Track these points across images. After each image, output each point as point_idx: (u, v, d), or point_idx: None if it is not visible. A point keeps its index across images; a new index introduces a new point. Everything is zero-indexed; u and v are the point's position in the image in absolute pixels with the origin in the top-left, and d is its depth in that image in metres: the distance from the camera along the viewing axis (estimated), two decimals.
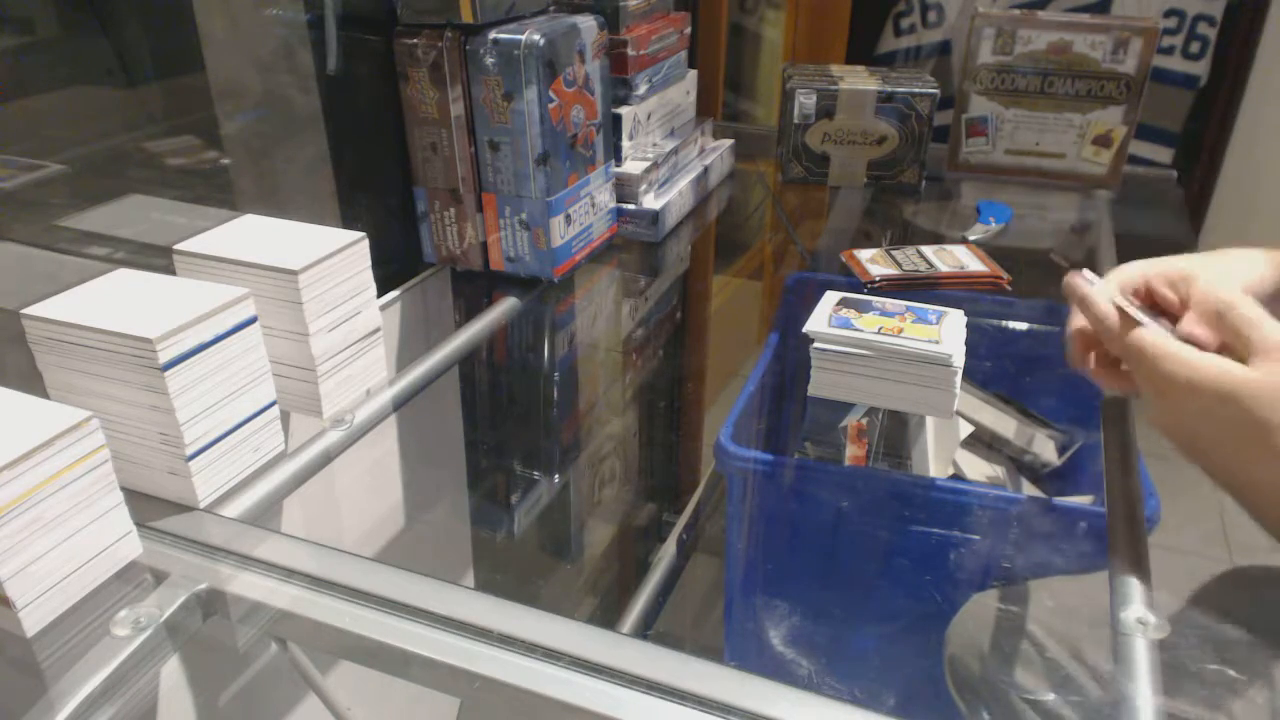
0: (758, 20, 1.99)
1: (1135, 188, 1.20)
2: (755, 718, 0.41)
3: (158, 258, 0.63)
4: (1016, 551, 0.79)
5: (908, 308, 0.74)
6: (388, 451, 0.89)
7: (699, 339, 1.30)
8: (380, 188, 0.87)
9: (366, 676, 0.49)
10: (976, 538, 0.80)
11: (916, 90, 1.12)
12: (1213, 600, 0.62)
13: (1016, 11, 1.14)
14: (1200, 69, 1.83)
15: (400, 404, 0.70)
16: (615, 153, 0.98)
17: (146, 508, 0.54)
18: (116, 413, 0.53)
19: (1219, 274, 0.57)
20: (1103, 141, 1.15)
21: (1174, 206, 1.26)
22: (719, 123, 1.34)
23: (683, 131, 1.13)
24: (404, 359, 0.84)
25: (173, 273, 0.62)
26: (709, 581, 1.18)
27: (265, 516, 0.56)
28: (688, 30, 1.10)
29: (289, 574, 0.49)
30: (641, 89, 1.01)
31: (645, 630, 0.92)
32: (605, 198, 0.95)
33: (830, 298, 0.76)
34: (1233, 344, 0.50)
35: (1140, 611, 0.49)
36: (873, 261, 0.98)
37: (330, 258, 0.61)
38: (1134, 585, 0.51)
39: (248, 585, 0.49)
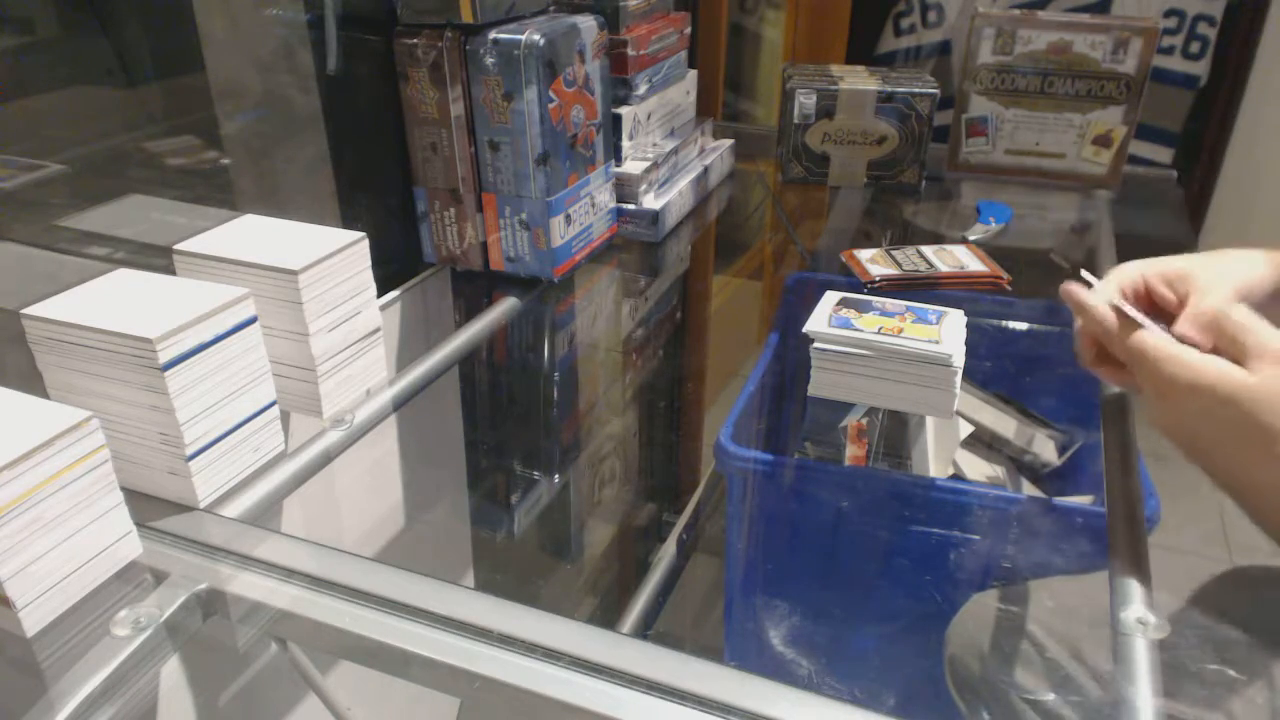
0: (758, 20, 1.99)
1: (1135, 188, 1.20)
2: (755, 718, 0.41)
3: (158, 258, 0.63)
4: (1016, 551, 0.79)
5: (908, 308, 0.74)
6: (388, 451, 0.89)
7: (699, 339, 1.30)
8: (380, 188, 0.87)
9: (366, 676, 0.49)
10: (976, 538, 0.80)
11: (916, 90, 1.12)
12: (1213, 600, 0.62)
13: (1016, 11, 1.14)
14: (1200, 69, 1.83)
15: (400, 404, 0.70)
16: (615, 153, 0.98)
17: (146, 508, 0.54)
18: (116, 413, 0.53)
19: (1216, 274, 0.57)
20: (1103, 141, 1.15)
21: (1174, 206, 1.26)
22: (719, 123, 1.34)
23: (683, 131, 1.13)
24: (404, 359, 0.84)
25: (173, 273, 0.62)
26: (709, 581, 1.18)
27: (265, 516, 0.56)
28: (688, 30, 1.10)
29: (289, 574, 0.49)
30: (641, 89, 1.01)
31: (645, 630, 0.92)
32: (605, 198, 0.95)
33: (830, 298, 0.76)
34: (1228, 350, 0.51)
35: (1140, 611, 0.49)
36: (873, 261, 0.98)
37: (330, 258, 0.61)
38: (1134, 585, 0.51)
39: (248, 585, 0.49)
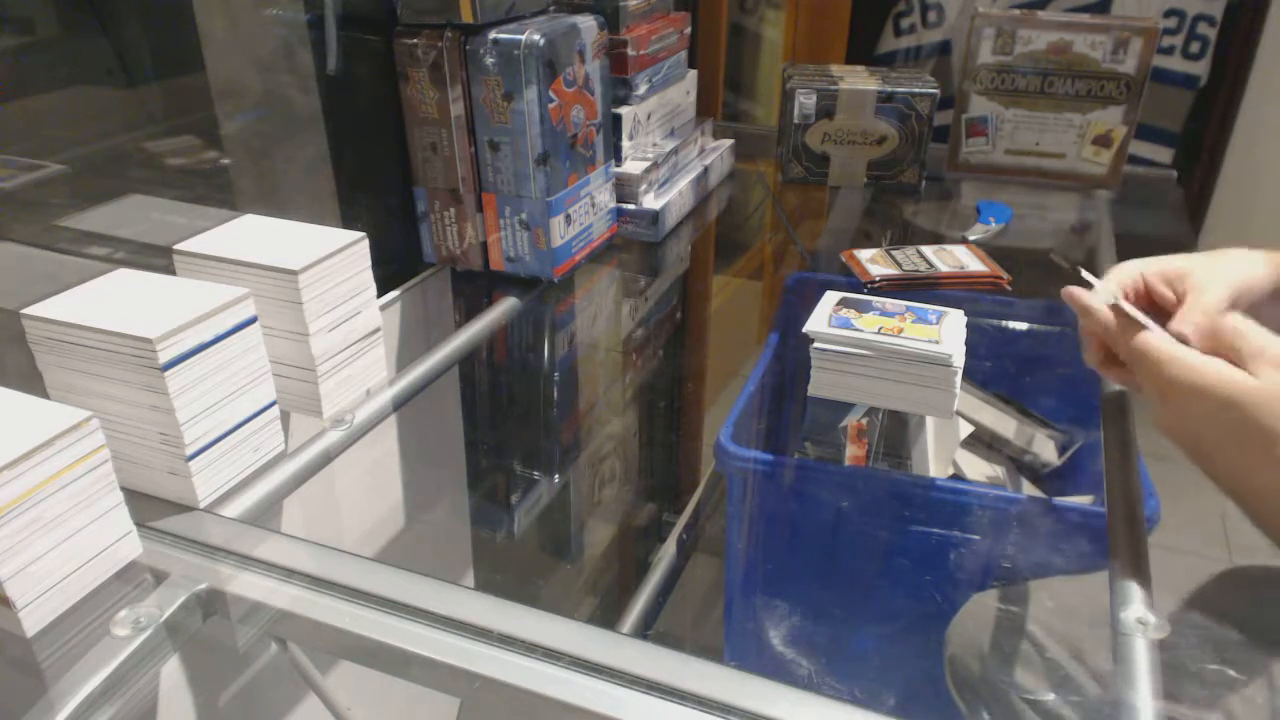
0: (758, 20, 1.99)
1: (1135, 188, 1.20)
2: (755, 718, 0.41)
3: (158, 258, 0.63)
4: (1016, 551, 0.79)
5: (908, 308, 0.74)
6: (388, 451, 0.89)
7: (699, 339, 1.30)
8: (380, 188, 0.87)
9: (366, 676, 0.49)
10: (976, 538, 0.80)
11: (916, 90, 1.12)
12: (1212, 600, 0.62)
13: (1016, 11, 1.14)
14: (1200, 69, 1.83)
15: (400, 404, 0.70)
16: (615, 153, 0.98)
17: (146, 508, 0.54)
18: (116, 413, 0.53)
19: (1214, 273, 0.57)
20: (1103, 141, 1.15)
21: (1174, 206, 1.26)
22: (719, 123, 1.34)
23: (683, 131, 1.13)
24: (404, 359, 0.84)
25: (173, 273, 0.62)
26: (709, 581, 1.18)
27: (265, 516, 0.56)
28: (688, 30, 1.10)
29: (289, 574, 0.49)
30: (641, 89, 1.01)
31: (645, 630, 0.92)
32: (605, 198, 0.95)
33: (830, 298, 0.76)
34: (1226, 356, 0.51)
35: (1140, 611, 0.49)
36: (873, 261, 0.98)
37: (330, 258, 0.61)
38: (1134, 585, 0.51)
39: (248, 585, 0.49)
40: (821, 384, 0.73)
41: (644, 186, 1.01)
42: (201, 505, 0.54)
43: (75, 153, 0.65)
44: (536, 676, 0.43)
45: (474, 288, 0.92)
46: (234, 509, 0.55)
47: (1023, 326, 1.05)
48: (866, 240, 1.08)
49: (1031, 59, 1.13)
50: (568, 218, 0.88)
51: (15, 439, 0.43)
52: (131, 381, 0.51)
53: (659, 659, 0.43)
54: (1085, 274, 0.61)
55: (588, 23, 0.85)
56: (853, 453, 0.93)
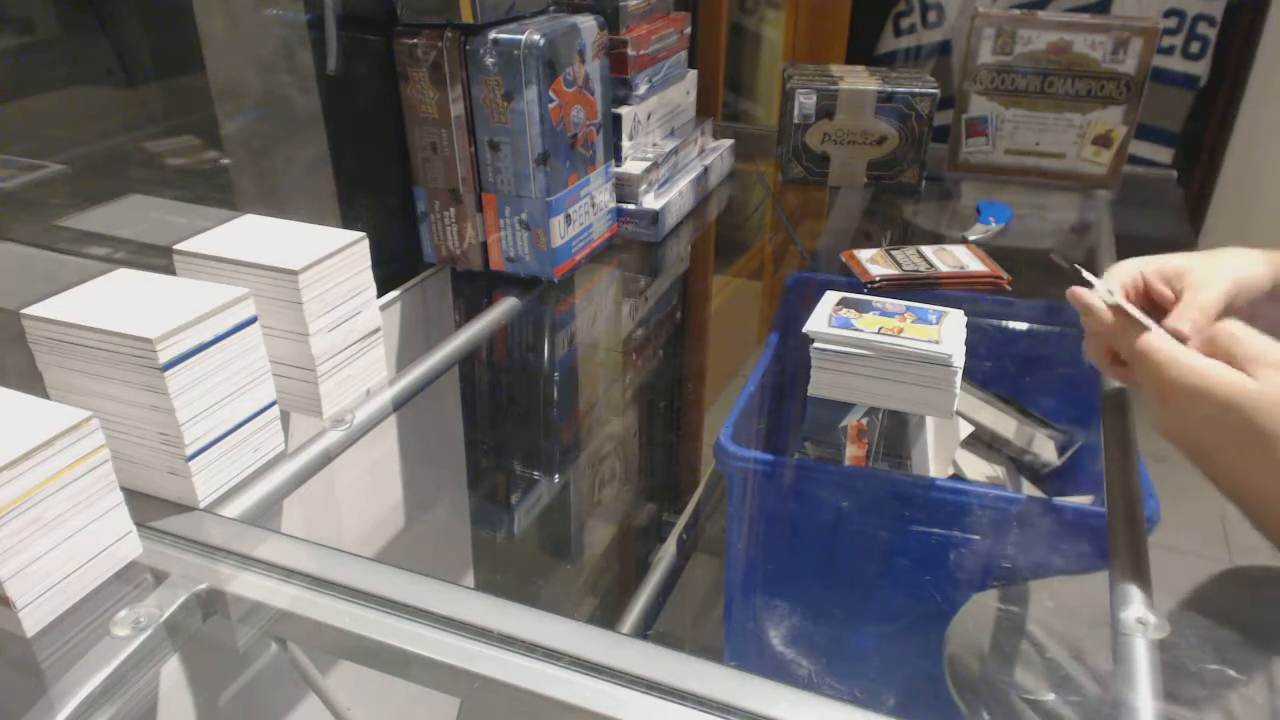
0: (758, 20, 1.99)
1: (1135, 188, 1.20)
2: (755, 718, 0.41)
3: (158, 258, 0.63)
4: (1016, 551, 0.79)
5: (908, 308, 0.74)
6: (388, 451, 0.89)
7: (699, 339, 1.30)
8: (380, 188, 0.87)
9: (366, 676, 0.49)
10: (976, 538, 0.80)
11: (916, 90, 1.12)
12: (1212, 600, 0.62)
13: (1016, 11, 1.14)
14: (1200, 69, 1.83)
15: (400, 404, 0.70)
16: (615, 153, 0.98)
17: (146, 508, 0.54)
18: (116, 413, 0.53)
19: (1211, 271, 0.58)
20: (1103, 141, 1.15)
21: (1174, 206, 1.26)
22: (719, 123, 1.34)
23: (683, 131, 1.13)
24: (404, 359, 0.84)
25: (173, 273, 0.62)
26: (709, 581, 1.18)
27: (265, 516, 0.56)
28: (688, 30, 1.10)
29: (289, 574, 0.49)
30: (641, 89, 1.01)
31: (645, 630, 0.92)
32: (605, 198, 0.95)
33: (830, 298, 0.76)
34: (1223, 360, 0.51)
35: (1140, 611, 0.49)
36: (873, 261, 0.98)
37: (330, 258, 0.61)
38: (1134, 585, 0.51)
39: (248, 585, 0.49)
40: (821, 384, 0.73)
41: (644, 186, 1.01)
42: (201, 505, 0.54)
43: (75, 153, 0.65)
44: (536, 676, 0.43)
45: (474, 288, 0.92)
46: (234, 509, 0.55)
47: (1023, 326, 1.05)
48: (866, 240, 1.08)
49: (1031, 59, 1.13)
50: (568, 218, 0.88)
51: (15, 439, 0.43)
52: (131, 381, 0.51)
53: (659, 659, 0.43)
54: (1085, 274, 0.61)
55: (588, 23, 0.85)
56: (853, 453, 0.93)
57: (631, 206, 1.00)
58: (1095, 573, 0.65)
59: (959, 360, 0.68)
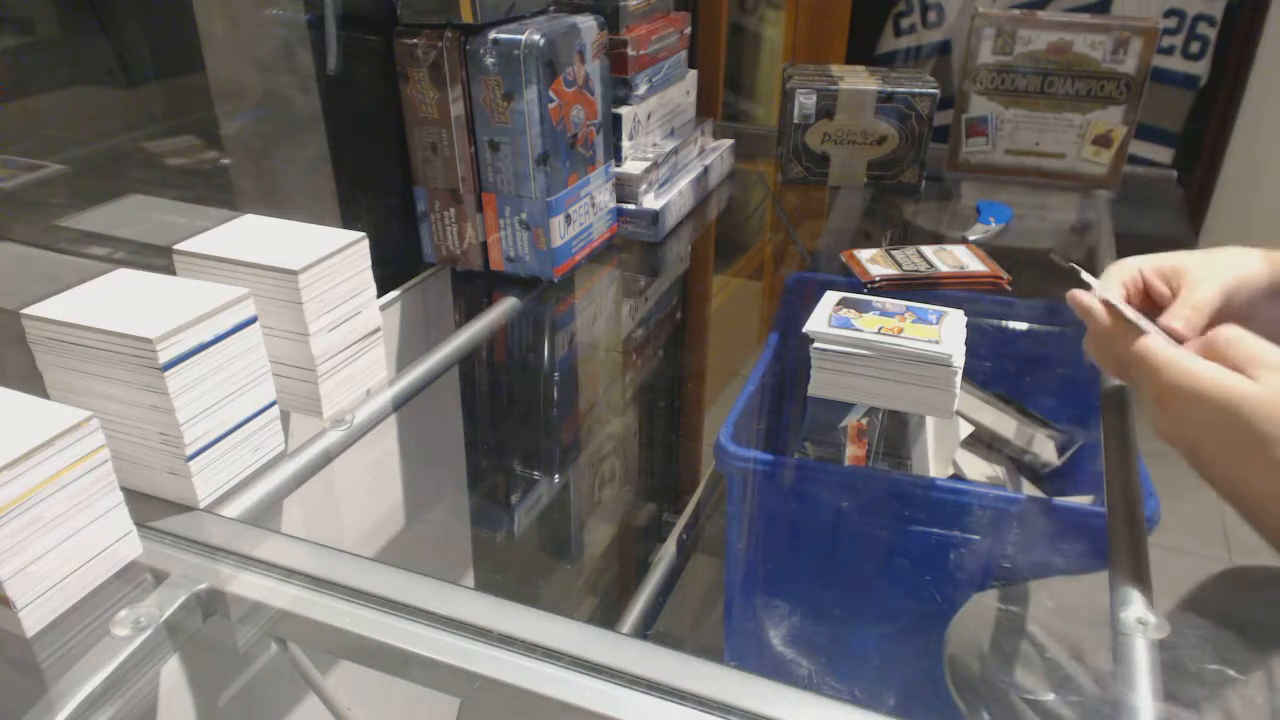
0: (758, 20, 1.99)
1: (1135, 188, 1.20)
2: (755, 718, 0.41)
3: (158, 258, 0.63)
4: (1016, 551, 0.79)
5: (908, 308, 0.74)
6: (388, 451, 0.89)
7: (699, 339, 1.30)
8: (380, 188, 0.87)
9: (366, 676, 0.49)
10: (976, 538, 0.80)
11: (916, 90, 1.12)
12: (1212, 600, 0.62)
13: (1016, 11, 1.14)
14: (1200, 69, 1.83)
15: (400, 404, 0.70)
16: (615, 153, 0.98)
17: (146, 508, 0.54)
18: (116, 413, 0.53)
19: (1208, 268, 0.58)
20: (1103, 141, 1.15)
21: (1174, 206, 1.26)
22: (719, 123, 1.34)
23: (683, 131, 1.13)
24: (404, 359, 0.84)
25: (173, 273, 0.62)
26: (709, 581, 1.18)
27: (265, 516, 0.56)
28: (688, 30, 1.10)
29: (289, 574, 0.49)
30: (641, 89, 1.01)
31: (645, 630, 0.92)
32: (605, 198, 0.95)
33: (830, 298, 0.76)
34: (1222, 363, 0.51)
35: (1140, 611, 0.49)
36: (873, 261, 0.98)
37: (330, 258, 0.61)
38: (1134, 585, 0.51)
39: (248, 585, 0.49)
40: (821, 384, 0.73)
41: (644, 186, 1.01)
42: (201, 505, 0.54)
43: (75, 153, 0.65)
44: (536, 676, 0.43)
45: (474, 288, 0.92)
46: (234, 509, 0.55)
47: (1023, 326, 1.05)
48: (866, 240, 1.08)
49: (1031, 59, 1.13)
50: (568, 218, 0.88)
51: (15, 439, 0.43)
52: (131, 381, 0.51)
53: (659, 659, 0.43)
54: (1083, 274, 0.61)
55: (588, 23, 0.85)
56: (853, 453, 0.93)
57: (631, 206, 1.00)
58: (1095, 573, 0.65)
59: (959, 360, 0.68)
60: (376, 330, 0.67)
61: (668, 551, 1.00)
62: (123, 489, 0.49)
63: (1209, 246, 0.62)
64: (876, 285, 0.94)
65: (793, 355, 1.02)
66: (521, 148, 0.81)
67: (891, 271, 0.96)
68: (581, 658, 0.44)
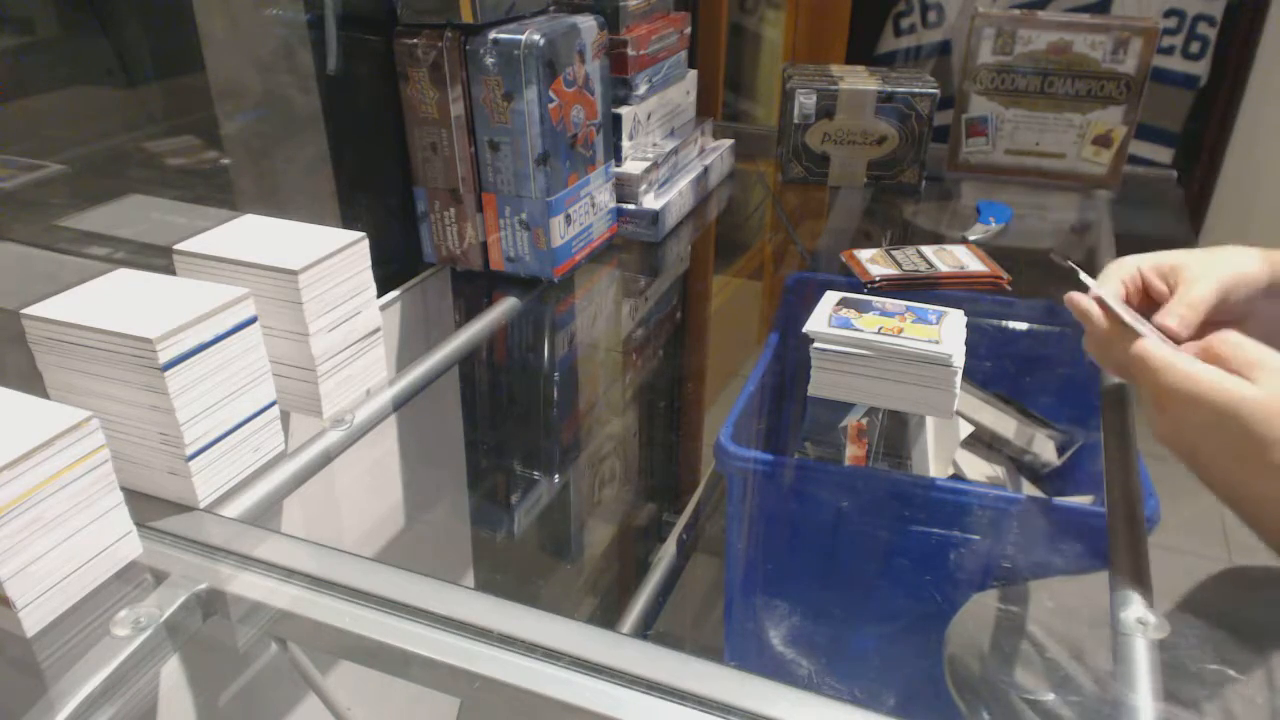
0: (758, 20, 1.99)
1: (1135, 188, 1.20)
2: (755, 718, 0.41)
3: (158, 258, 0.63)
4: (1016, 551, 0.79)
5: (908, 308, 0.74)
6: (388, 451, 0.89)
7: (699, 339, 1.30)
8: (380, 188, 0.87)
9: (366, 676, 0.49)
10: (976, 538, 0.80)
11: (916, 90, 1.12)
12: (1212, 600, 0.62)
13: (1016, 11, 1.14)
14: (1200, 69, 1.83)
15: (400, 404, 0.70)
16: (615, 153, 0.98)
17: (146, 508, 0.54)
18: (116, 413, 0.53)
19: (1206, 266, 0.58)
20: (1103, 141, 1.15)
21: (1174, 206, 1.26)
22: (719, 123, 1.34)
23: (683, 131, 1.13)
24: (404, 359, 0.84)
25: (173, 273, 0.62)
26: (709, 581, 1.18)
27: (265, 516, 0.56)
28: (688, 30, 1.10)
29: (289, 574, 0.49)
30: (641, 89, 1.01)
31: (645, 630, 0.92)
32: (605, 198, 0.95)
33: (830, 298, 0.76)
34: (1220, 366, 0.51)
35: (1140, 611, 0.49)
36: (873, 261, 0.98)
37: (330, 258, 0.61)
38: (1134, 585, 0.51)
39: (248, 585, 0.49)
40: (821, 384, 0.73)
41: (644, 186, 1.01)
42: (201, 505, 0.54)
43: (75, 153, 0.65)
44: (536, 676, 0.43)
45: (474, 288, 0.92)
46: (234, 509, 0.55)
47: (1023, 326, 1.05)
48: (866, 240, 1.08)
49: (1031, 59, 1.13)
50: (568, 218, 0.88)
51: (15, 439, 0.44)
52: (131, 381, 0.51)
53: (659, 659, 0.43)
54: (1082, 275, 0.61)
55: (588, 23, 0.85)
56: (853, 453, 0.93)
57: (631, 206, 1.00)
58: (1095, 573, 0.65)
59: (959, 360, 0.68)
60: (376, 330, 0.67)
61: (668, 551, 1.00)
62: (123, 489, 0.49)
63: (1209, 246, 0.62)
64: (876, 285, 0.94)
65: (793, 355, 1.02)
66: (521, 148, 0.81)
67: (891, 271, 0.96)
68: (581, 658, 0.44)
